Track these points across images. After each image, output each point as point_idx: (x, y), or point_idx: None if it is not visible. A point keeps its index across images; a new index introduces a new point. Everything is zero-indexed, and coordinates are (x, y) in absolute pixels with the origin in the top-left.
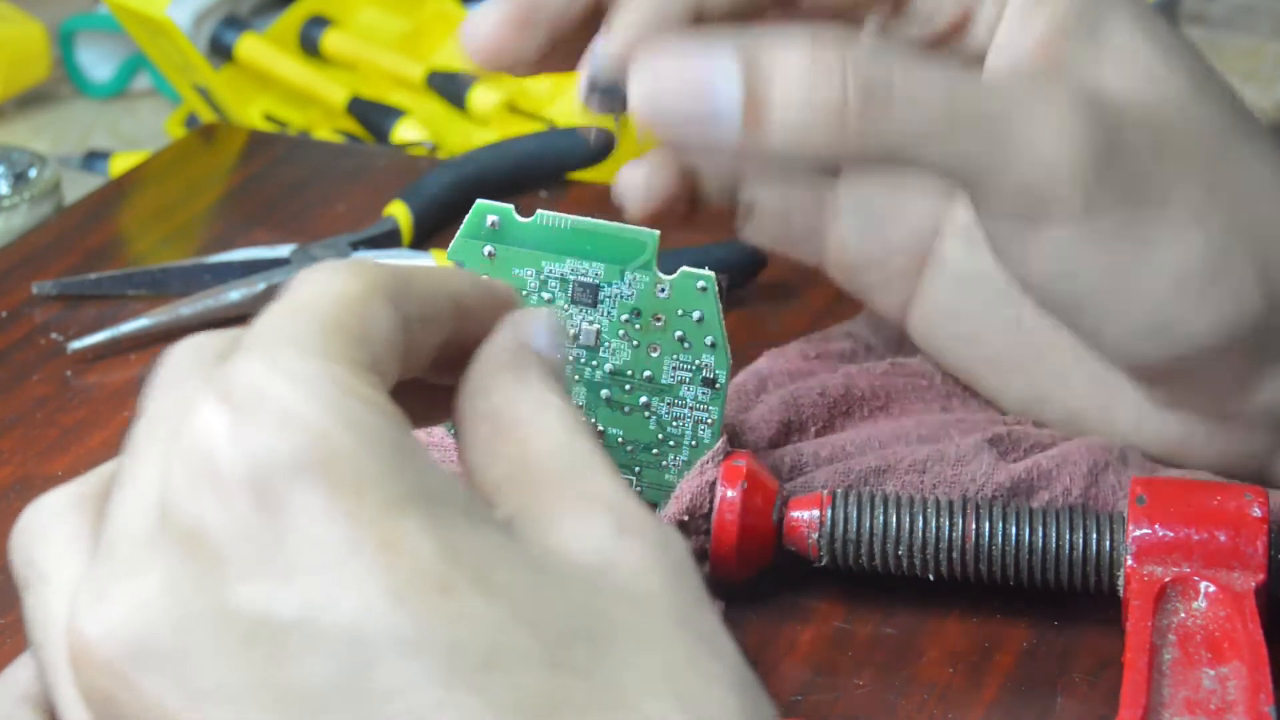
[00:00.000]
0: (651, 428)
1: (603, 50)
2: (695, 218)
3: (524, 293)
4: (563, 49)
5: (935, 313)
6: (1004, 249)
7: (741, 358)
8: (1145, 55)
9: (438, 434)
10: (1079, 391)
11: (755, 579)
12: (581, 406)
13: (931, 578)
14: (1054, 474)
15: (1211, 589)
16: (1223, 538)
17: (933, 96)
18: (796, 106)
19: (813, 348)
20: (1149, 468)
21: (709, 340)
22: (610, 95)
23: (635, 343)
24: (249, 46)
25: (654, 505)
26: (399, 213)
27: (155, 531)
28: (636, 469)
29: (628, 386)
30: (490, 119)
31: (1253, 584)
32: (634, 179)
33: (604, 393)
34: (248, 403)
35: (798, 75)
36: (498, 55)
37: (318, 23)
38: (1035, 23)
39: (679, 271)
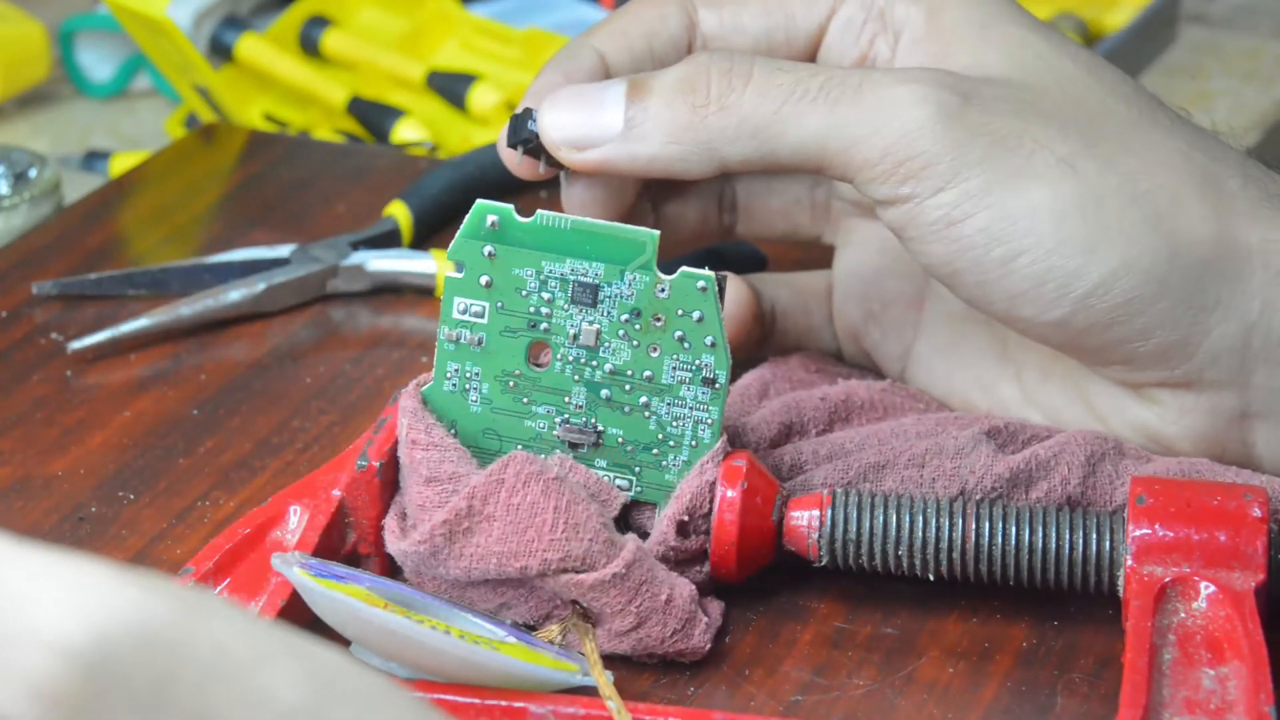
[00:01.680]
0: (651, 428)
1: (520, 111)
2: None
3: (524, 292)
4: None
5: (932, 351)
6: (902, 230)
7: (741, 358)
8: (1035, 43)
9: (438, 434)
10: (1059, 390)
11: (755, 579)
12: (582, 406)
13: (931, 578)
14: (1052, 464)
15: (1211, 589)
16: (1223, 538)
17: (781, 80)
18: (670, 90)
19: (813, 362)
20: (1145, 456)
21: (709, 340)
22: (527, 141)
23: (635, 343)
24: (249, 46)
25: (654, 505)
26: (399, 213)
27: None
28: (636, 469)
29: (628, 386)
30: (490, 119)
31: (1253, 584)
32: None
33: (604, 393)
34: None
35: (670, 76)
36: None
37: (318, 23)
38: (927, 48)
39: (679, 271)
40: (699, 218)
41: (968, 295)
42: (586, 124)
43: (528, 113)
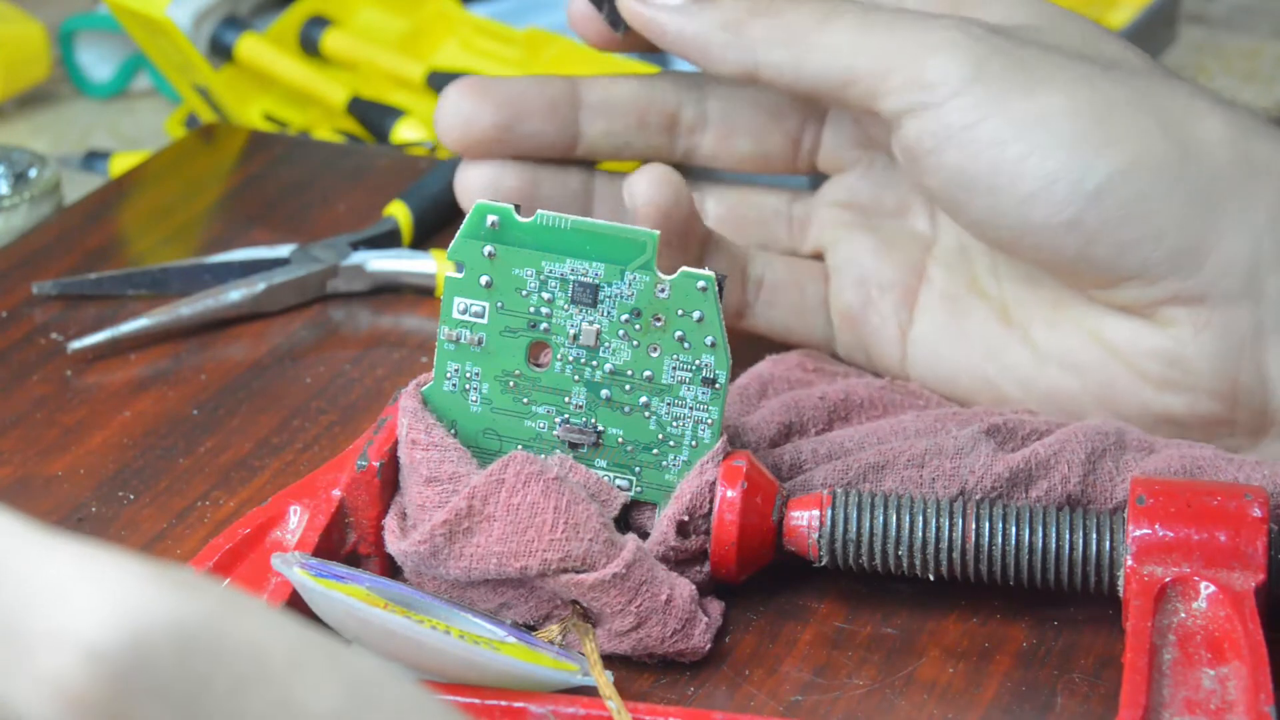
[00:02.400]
0: (651, 428)
1: None
2: (706, 261)
3: (524, 292)
4: None
5: (934, 330)
6: (918, 143)
7: (741, 358)
8: (1047, 7)
9: (438, 434)
10: (1072, 334)
11: (755, 579)
12: (582, 406)
13: (931, 578)
14: (1052, 462)
15: (1211, 589)
16: (1223, 538)
17: (825, 3)
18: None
19: (811, 361)
20: (1147, 445)
21: (709, 340)
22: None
23: (635, 343)
24: (249, 46)
25: (654, 505)
26: (399, 213)
27: None
28: (636, 469)
29: (628, 386)
30: None
31: (1253, 584)
32: (637, 188)
33: (604, 393)
34: None
35: None
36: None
37: (318, 23)
38: (939, 7)
39: (679, 271)
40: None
41: (979, 210)
42: None
43: None
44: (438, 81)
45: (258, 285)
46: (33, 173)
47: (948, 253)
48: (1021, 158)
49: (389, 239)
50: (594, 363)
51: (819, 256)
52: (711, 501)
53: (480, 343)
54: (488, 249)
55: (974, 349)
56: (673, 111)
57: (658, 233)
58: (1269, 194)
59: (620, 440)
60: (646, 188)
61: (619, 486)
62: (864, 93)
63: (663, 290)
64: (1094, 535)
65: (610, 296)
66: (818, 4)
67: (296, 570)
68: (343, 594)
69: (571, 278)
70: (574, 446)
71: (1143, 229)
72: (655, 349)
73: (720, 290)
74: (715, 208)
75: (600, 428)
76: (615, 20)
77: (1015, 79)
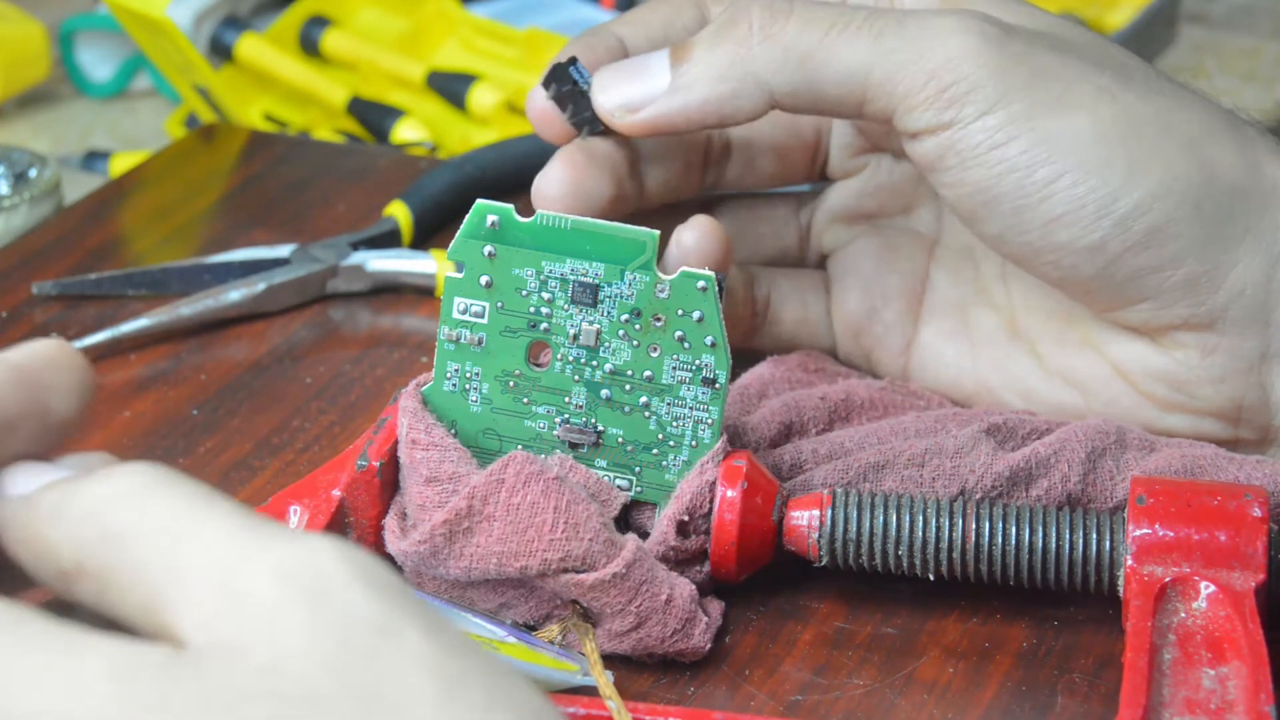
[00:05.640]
0: (651, 428)
1: (562, 59)
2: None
3: (524, 292)
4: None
5: (940, 338)
6: (940, 160)
7: (741, 358)
8: (1049, 15)
9: (438, 434)
10: (1078, 353)
11: (755, 579)
12: (582, 406)
13: (931, 578)
14: (1052, 461)
15: (1211, 589)
16: (1223, 538)
17: (823, 13)
18: (712, 36)
19: (813, 361)
20: (1148, 444)
21: (709, 340)
22: (566, 85)
23: (635, 343)
24: (249, 46)
25: (654, 505)
26: (399, 213)
27: None
28: (636, 469)
29: (628, 386)
30: (490, 119)
31: (1253, 584)
32: (689, 239)
33: (604, 393)
34: None
35: (711, 25)
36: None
37: (318, 23)
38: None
39: (679, 271)
40: None
41: (999, 226)
42: (635, 88)
43: (571, 60)
44: (438, 81)
45: (258, 285)
46: (33, 173)
47: (954, 256)
48: (1049, 181)
49: (389, 239)
50: (594, 363)
51: (824, 262)
52: (711, 501)
53: (480, 343)
54: (488, 249)
55: (979, 358)
56: (703, 146)
57: (657, 233)
58: None
59: (620, 440)
60: (697, 240)
61: (619, 486)
62: (882, 109)
63: (663, 290)
64: (1094, 535)
65: (610, 296)
66: (810, 16)
67: None
68: None
69: (571, 278)
70: (574, 446)
71: (1162, 255)
72: (655, 349)
73: (720, 290)
74: (729, 225)
75: (600, 428)
76: (582, 122)
77: (1039, 94)
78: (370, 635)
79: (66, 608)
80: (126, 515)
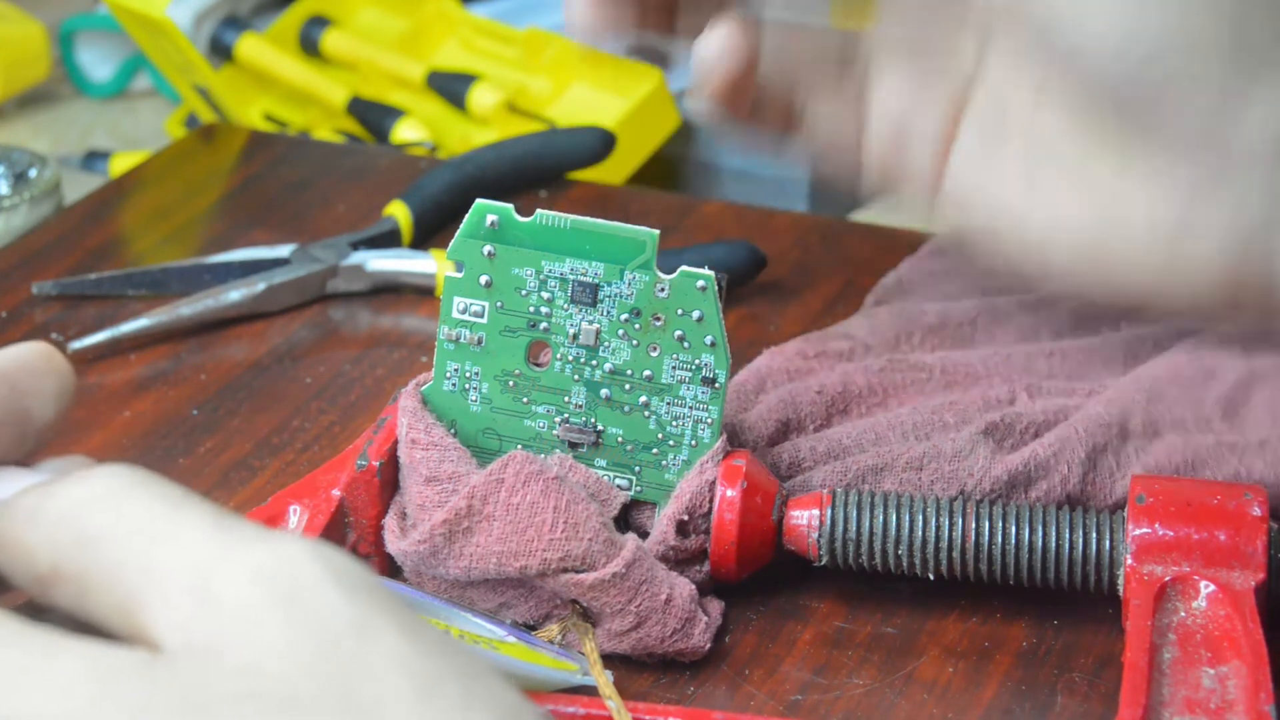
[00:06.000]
0: (651, 427)
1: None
2: (754, 116)
3: (524, 292)
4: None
5: (966, 175)
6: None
7: (741, 357)
8: None
9: (438, 434)
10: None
11: (755, 579)
12: (582, 405)
13: (931, 577)
14: (1051, 463)
15: (1211, 588)
16: (1223, 537)
17: None
18: None
19: (811, 347)
20: (1151, 430)
21: (709, 340)
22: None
23: (635, 342)
24: (249, 46)
25: (654, 504)
26: (399, 213)
27: None
28: (636, 469)
29: (628, 386)
30: (490, 119)
31: (1253, 583)
32: (710, 47)
33: (604, 392)
34: None
35: None
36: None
37: (318, 23)
38: None
39: (679, 271)
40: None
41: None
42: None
43: None
44: (437, 81)
45: (258, 285)
46: (33, 173)
47: (991, 97)
48: None
49: (389, 239)
50: (594, 362)
51: (862, 97)
52: (711, 501)
53: (480, 342)
54: (487, 248)
55: (1008, 183)
56: None
57: (657, 232)
58: None
59: (620, 440)
60: (719, 52)
61: (619, 486)
62: None
63: (662, 290)
64: (1094, 534)
65: (610, 296)
66: None
67: None
68: None
69: (571, 277)
70: (574, 446)
71: (1193, 107)
72: (655, 348)
73: (720, 290)
74: (771, 45)
75: (600, 427)
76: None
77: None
78: (347, 636)
79: (41, 611)
80: (102, 518)
